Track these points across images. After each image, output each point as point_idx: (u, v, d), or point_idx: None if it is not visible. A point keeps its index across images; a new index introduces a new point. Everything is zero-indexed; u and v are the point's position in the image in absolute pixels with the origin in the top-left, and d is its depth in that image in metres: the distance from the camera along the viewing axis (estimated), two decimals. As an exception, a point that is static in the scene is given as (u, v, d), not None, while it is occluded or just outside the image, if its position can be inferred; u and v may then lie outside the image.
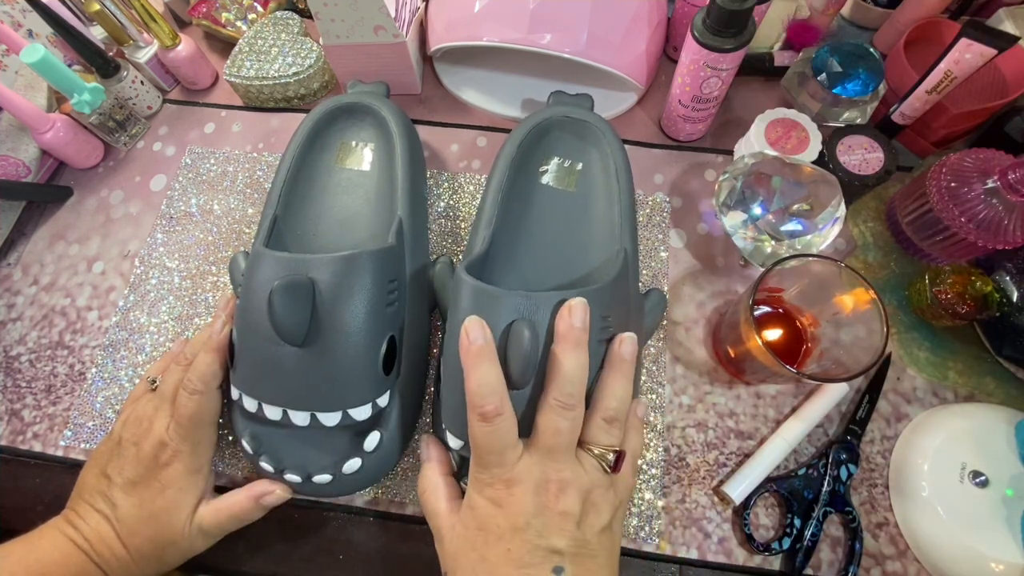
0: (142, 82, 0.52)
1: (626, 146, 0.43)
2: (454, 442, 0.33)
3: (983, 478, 0.37)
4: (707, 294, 0.45)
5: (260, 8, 0.56)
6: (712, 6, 0.38)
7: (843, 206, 0.39)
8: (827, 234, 0.39)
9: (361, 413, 0.35)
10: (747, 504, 0.38)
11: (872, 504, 0.39)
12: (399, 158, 0.42)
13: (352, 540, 0.39)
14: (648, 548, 0.38)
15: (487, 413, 0.28)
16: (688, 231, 0.47)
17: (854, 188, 0.43)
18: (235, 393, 0.36)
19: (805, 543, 0.37)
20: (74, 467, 0.40)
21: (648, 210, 0.48)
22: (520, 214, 0.42)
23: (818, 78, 0.46)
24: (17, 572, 0.32)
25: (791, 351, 0.40)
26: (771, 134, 0.45)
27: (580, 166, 0.44)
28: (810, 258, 0.36)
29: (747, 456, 0.40)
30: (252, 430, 0.36)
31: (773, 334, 0.41)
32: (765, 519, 0.39)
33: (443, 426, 0.34)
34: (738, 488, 0.38)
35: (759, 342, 0.34)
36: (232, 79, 0.52)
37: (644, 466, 0.40)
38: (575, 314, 0.30)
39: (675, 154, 0.51)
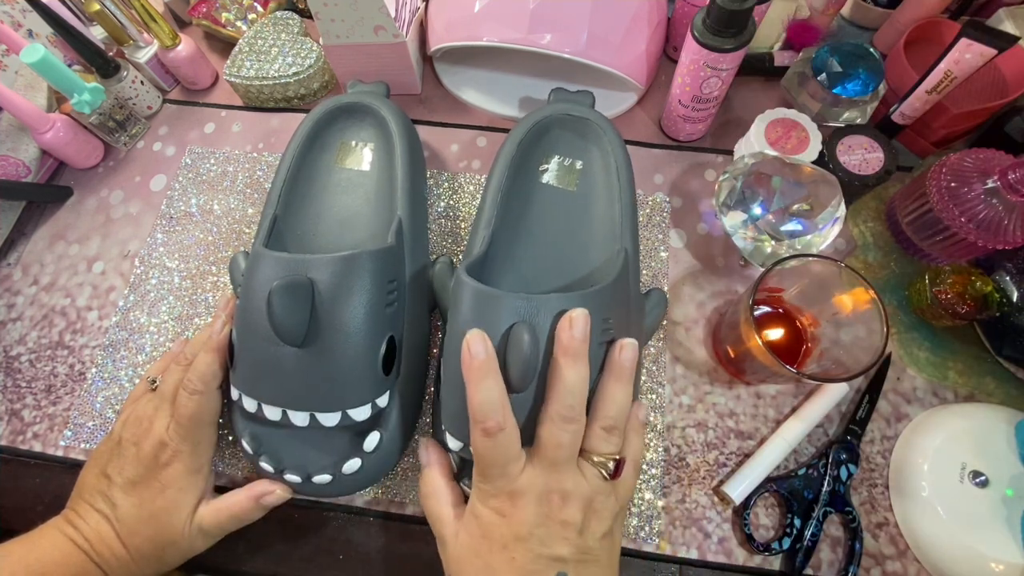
0: (142, 82, 0.52)
1: (626, 146, 0.43)
2: (454, 444, 0.33)
3: (983, 478, 0.37)
4: (707, 294, 0.45)
5: (260, 8, 0.56)
6: (712, 6, 0.38)
7: (843, 206, 0.39)
8: (827, 234, 0.39)
9: (360, 413, 0.35)
10: (747, 504, 0.38)
11: (872, 504, 0.39)
12: (399, 158, 0.42)
13: (352, 540, 0.39)
14: (648, 548, 0.38)
15: (489, 429, 0.29)
16: (688, 231, 0.47)
17: (854, 188, 0.43)
18: (235, 393, 0.36)
19: (805, 543, 0.37)
20: (74, 467, 0.40)
21: (648, 210, 0.48)
22: (520, 214, 0.42)
23: (818, 78, 0.46)
24: (17, 572, 0.32)
25: (791, 351, 0.40)
26: (771, 134, 0.45)
27: (581, 164, 0.43)
28: (810, 258, 0.36)
29: (747, 456, 0.40)
30: (252, 430, 0.36)
31: (773, 334, 0.41)
32: (765, 519, 0.39)
33: (443, 427, 0.34)
34: (738, 488, 0.38)
35: (759, 342, 0.34)
36: (232, 79, 0.52)
37: (644, 466, 0.40)
38: (575, 326, 0.30)
39: (675, 154, 0.51)
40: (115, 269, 0.48)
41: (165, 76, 0.55)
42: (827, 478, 0.38)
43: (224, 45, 0.58)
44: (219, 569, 0.38)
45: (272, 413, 0.34)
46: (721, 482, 0.39)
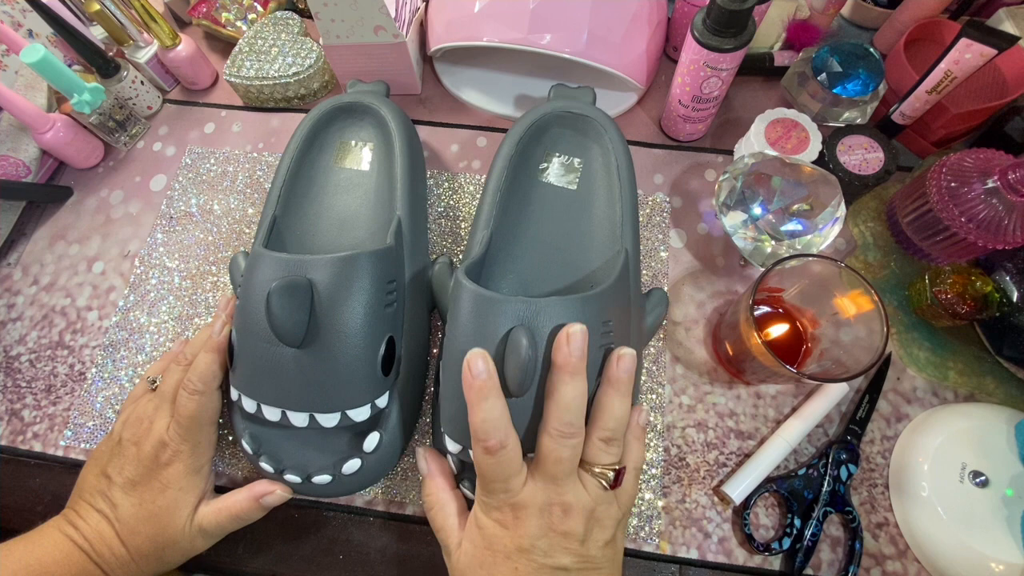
0: (142, 82, 0.52)
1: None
2: (453, 446, 0.33)
3: (983, 478, 0.37)
4: (707, 294, 0.45)
5: (260, 8, 0.56)
6: (712, 6, 0.38)
7: (843, 206, 0.39)
8: (827, 234, 0.39)
9: (360, 414, 0.35)
10: (747, 504, 0.38)
11: (872, 504, 0.39)
12: (398, 158, 0.42)
13: (352, 540, 0.39)
14: (648, 548, 0.38)
15: (491, 447, 0.29)
16: (688, 231, 0.47)
17: (854, 188, 0.43)
18: (234, 394, 0.36)
19: (805, 543, 0.37)
20: (74, 467, 0.40)
21: (648, 210, 0.48)
22: (520, 213, 0.42)
23: (818, 78, 0.46)
24: (17, 572, 0.32)
25: (791, 351, 0.40)
26: (771, 134, 0.45)
27: (581, 163, 0.43)
28: (810, 258, 0.36)
29: (747, 456, 0.40)
30: (252, 430, 0.36)
31: (773, 334, 0.41)
32: (765, 519, 0.39)
33: (442, 430, 0.34)
34: (738, 488, 0.38)
35: (759, 342, 0.34)
36: (232, 79, 0.52)
37: (644, 467, 0.40)
38: (572, 343, 0.29)
39: (675, 154, 0.51)
40: (115, 269, 0.48)
41: (165, 76, 0.55)
42: (827, 478, 0.38)
43: (224, 45, 0.58)
44: (219, 569, 0.39)
45: (271, 414, 0.34)
46: (721, 482, 0.39)
